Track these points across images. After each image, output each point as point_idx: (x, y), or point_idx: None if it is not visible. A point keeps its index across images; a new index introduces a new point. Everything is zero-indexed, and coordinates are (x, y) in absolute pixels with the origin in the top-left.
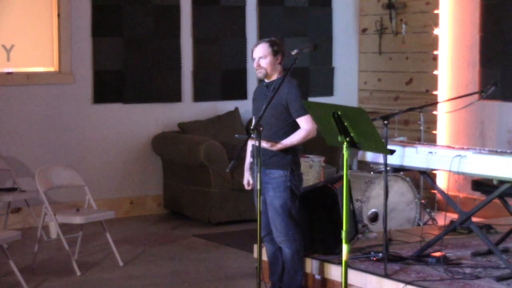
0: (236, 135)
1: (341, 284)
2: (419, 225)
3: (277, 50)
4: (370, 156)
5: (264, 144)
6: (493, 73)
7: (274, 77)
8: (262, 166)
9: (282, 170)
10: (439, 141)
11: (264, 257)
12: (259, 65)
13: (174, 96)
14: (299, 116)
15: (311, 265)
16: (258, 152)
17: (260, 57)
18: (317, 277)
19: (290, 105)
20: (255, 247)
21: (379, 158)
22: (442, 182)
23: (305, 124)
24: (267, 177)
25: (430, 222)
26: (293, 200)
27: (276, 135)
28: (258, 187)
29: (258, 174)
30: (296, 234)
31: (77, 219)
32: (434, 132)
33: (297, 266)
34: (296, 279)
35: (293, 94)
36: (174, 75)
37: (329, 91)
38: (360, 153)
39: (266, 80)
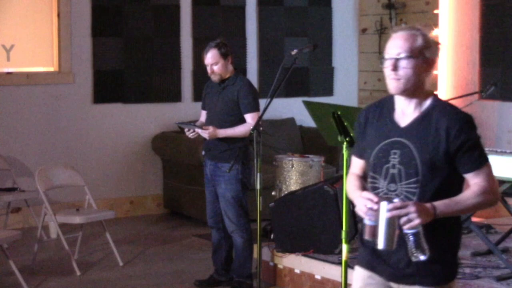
0: (177, 123)
1: (341, 284)
2: None
3: (225, 53)
4: None
5: (202, 133)
6: (493, 73)
7: (227, 76)
8: (213, 160)
9: (234, 164)
10: None
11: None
12: (213, 71)
13: (174, 96)
14: (247, 112)
15: (259, 253)
16: (257, 151)
17: (212, 64)
18: (317, 277)
19: (240, 101)
20: (255, 247)
21: None
22: None
23: (251, 120)
24: (219, 170)
25: None
26: (244, 192)
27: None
28: (258, 187)
29: (258, 174)
30: (247, 224)
31: (77, 219)
32: None
33: (247, 254)
34: (246, 266)
35: (244, 91)
36: (174, 75)
37: (329, 91)
38: None
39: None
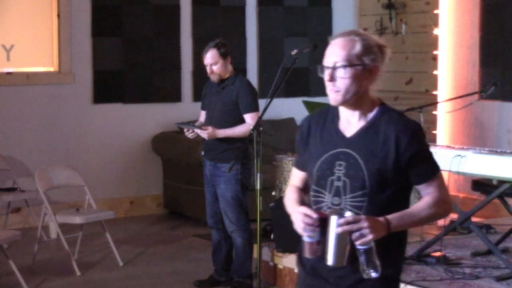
0: (176, 123)
1: None
2: None
3: (225, 53)
4: None
5: (201, 133)
6: (493, 73)
7: (226, 76)
8: (213, 160)
9: (234, 164)
10: (439, 141)
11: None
12: (212, 71)
13: (174, 96)
14: (246, 112)
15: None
16: (257, 151)
17: (211, 64)
18: None
19: (240, 101)
20: (255, 247)
21: None
22: None
23: (250, 120)
24: (219, 170)
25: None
26: (243, 192)
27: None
28: (258, 187)
29: (258, 174)
30: (247, 224)
31: (77, 219)
32: (434, 132)
33: (247, 255)
34: (246, 267)
35: (243, 91)
36: (174, 75)
37: None
38: None
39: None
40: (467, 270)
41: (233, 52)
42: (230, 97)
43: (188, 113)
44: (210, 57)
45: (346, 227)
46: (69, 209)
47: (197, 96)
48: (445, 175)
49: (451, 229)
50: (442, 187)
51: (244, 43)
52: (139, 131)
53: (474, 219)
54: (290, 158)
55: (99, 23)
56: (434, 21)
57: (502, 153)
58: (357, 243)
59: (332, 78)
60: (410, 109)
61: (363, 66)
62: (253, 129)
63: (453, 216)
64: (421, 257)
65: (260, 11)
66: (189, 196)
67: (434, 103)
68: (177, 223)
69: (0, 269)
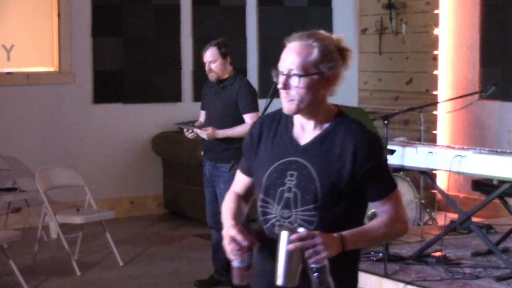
0: (176, 123)
1: None
2: (419, 225)
3: (225, 52)
4: None
5: (201, 134)
6: (493, 73)
7: (226, 76)
8: (212, 160)
9: (234, 164)
10: (439, 141)
11: None
12: (210, 69)
13: (174, 96)
14: (246, 112)
15: None
16: None
17: (210, 61)
18: None
19: (239, 101)
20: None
21: None
22: (442, 182)
23: (250, 120)
24: (218, 170)
25: (430, 222)
26: None
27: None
28: None
29: None
30: (247, 224)
31: (77, 219)
32: (434, 132)
33: None
34: None
35: (243, 91)
36: (174, 75)
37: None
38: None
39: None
40: (467, 270)
41: (233, 53)
42: (229, 97)
43: (188, 113)
44: (210, 55)
45: (298, 244)
46: (69, 209)
47: (197, 96)
48: (445, 175)
49: (451, 229)
50: (398, 205)
51: (244, 43)
52: (139, 131)
53: (474, 219)
54: None
55: (99, 23)
56: (434, 21)
57: (502, 153)
58: (310, 261)
59: (286, 86)
60: (410, 109)
61: (320, 74)
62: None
63: (453, 216)
64: (421, 257)
65: (260, 11)
66: (189, 196)
67: (434, 103)
68: (177, 223)
69: (0, 269)
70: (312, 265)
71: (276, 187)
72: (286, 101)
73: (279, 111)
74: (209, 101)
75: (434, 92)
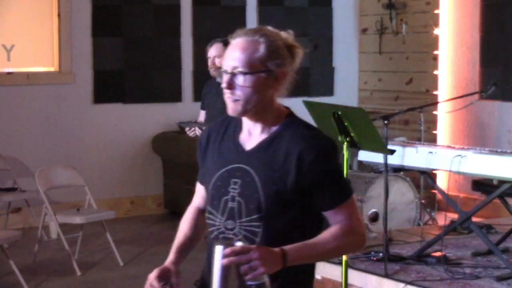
0: (178, 122)
1: (341, 284)
2: (419, 225)
3: None
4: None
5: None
6: (493, 73)
7: None
8: None
9: None
10: (439, 141)
11: None
12: (214, 64)
13: (174, 96)
14: None
15: None
16: None
17: (215, 56)
18: (318, 277)
19: None
20: None
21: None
22: (442, 182)
23: None
24: None
25: (430, 222)
26: None
27: None
28: None
29: None
30: None
31: (77, 219)
32: (434, 132)
33: None
34: None
35: None
36: (174, 75)
37: (329, 91)
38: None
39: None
40: (468, 270)
41: None
42: None
43: (188, 113)
44: (215, 50)
45: (232, 259)
46: (69, 209)
47: (197, 96)
48: (445, 175)
49: (452, 229)
50: (352, 216)
51: None
52: (139, 131)
53: (474, 219)
54: None
55: (99, 23)
56: (434, 21)
57: (503, 153)
58: (246, 277)
59: (231, 86)
60: (410, 109)
61: (268, 72)
62: None
63: (454, 216)
64: (421, 257)
65: (260, 11)
66: (189, 196)
67: (434, 103)
68: (177, 223)
69: (1, 269)
70: (249, 282)
71: (220, 196)
72: (231, 102)
73: (229, 116)
74: (210, 101)
75: (434, 92)
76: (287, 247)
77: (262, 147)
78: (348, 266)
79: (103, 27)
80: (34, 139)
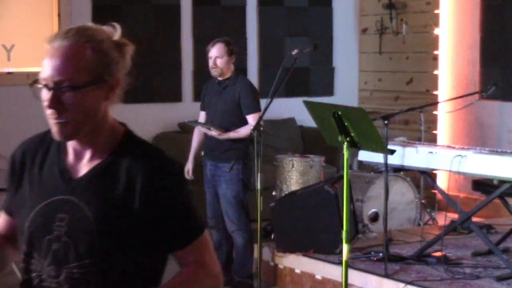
0: (187, 121)
1: (341, 284)
2: (419, 225)
3: (231, 50)
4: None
5: (213, 132)
6: (493, 73)
7: (227, 75)
8: (214, 160)
9: (235, 164)
10: (440, 141)
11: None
12: (215, 64)
13: (174, 96)
14: (249, 113)
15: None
16: (258, 151)
17: (216, 56)
18: (318, 277)
19: (242, 101)
20: (256, 247)
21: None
22: (442, 182)
23: (253, 121)
24: (220, 170)
25: (430, 222)
26: (245, 192)
27: (228, 131)
28: (259, 187)
29: (259, 174)
30: (248, 224)
31: None
32: (434, 132)
33: (248, 255)
34: (247, 267)
35: (245, 91)
36: (174, 75)
37: (329, 91)
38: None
39: (219, 78)
40: (468, 270)
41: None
42: (231, 97)
43: (188, 113)
44: (217, 50)
45: None
46: None
47: (197, 96)
48: (445, 175)
49: (452, 229)
50: (205, 256)
51: (244, 43)
52: (139, 131)
53: (474, 219)
54: (291, 158)
55: (99, 23)
56: (434, 21)
57: (503, 153)
58: None
59: (57, 105)
60: (410, 109)
61: (100, 83)
62: (253, 129)
63: (454, 216)
64: (421, 257)
65: (260, 11)
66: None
67: (434, 103)
68: None
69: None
70: None
71: (41, 235)
72: (58, 125)
73: (48, 133)
74: (210, 101)
75: (434, 92)
76: None
77: (95, 175)
78: (348, 266)
79: None
80: None
